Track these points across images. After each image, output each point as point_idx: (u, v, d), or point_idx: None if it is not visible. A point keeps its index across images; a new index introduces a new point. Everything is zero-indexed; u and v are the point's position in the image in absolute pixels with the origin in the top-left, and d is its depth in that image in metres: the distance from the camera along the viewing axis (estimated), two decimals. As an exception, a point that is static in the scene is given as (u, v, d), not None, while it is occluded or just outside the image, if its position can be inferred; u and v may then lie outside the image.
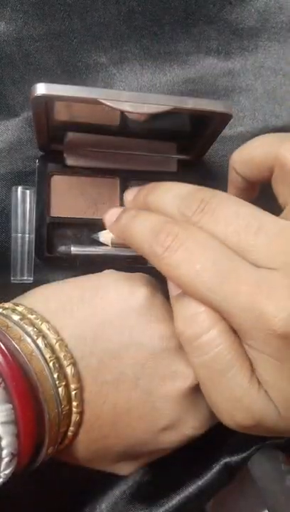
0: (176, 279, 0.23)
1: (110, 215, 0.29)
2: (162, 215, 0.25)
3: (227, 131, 0.37)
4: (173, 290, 0.25)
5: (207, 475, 0.36)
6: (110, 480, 0.37)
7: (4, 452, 0.22)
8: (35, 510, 0.36)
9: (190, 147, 0.34)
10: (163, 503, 0.36)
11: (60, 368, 0.25)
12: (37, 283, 0.30)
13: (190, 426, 0.28)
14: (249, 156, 0.27)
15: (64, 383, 0.25)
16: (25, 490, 0.35)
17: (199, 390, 0.28)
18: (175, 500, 0.35)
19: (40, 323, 0.26)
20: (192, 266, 0.22)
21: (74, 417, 0.26)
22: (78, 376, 0.26)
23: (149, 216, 0.25)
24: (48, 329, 0.26)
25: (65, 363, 0.25)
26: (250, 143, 0.27)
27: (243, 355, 0.23)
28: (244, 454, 0.36)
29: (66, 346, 0.26)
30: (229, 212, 0.23)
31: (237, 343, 0.23)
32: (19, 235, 0.34)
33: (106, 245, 0.34)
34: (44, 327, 0.26)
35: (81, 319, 0.27)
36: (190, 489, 0.36)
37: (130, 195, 0.29)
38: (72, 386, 0.26)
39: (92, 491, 0.37)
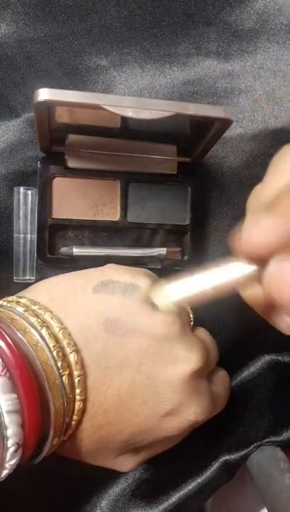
0: None
1: None
2: None
3: (226, 133, 0.37)
4: None
5: (206, 473, 0.36)
6: (110, 478, 0.38)
7: (9, 442, 0.22)
8: (36, 508, 0.36)
9: (190, 150, 0.35)
10: (162, 501, 0.36)
11: (64, 357, 0.26)
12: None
13: (193, 411, 0.28)
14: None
15: (67, 372, 0.25)
16: (27, 488, 0.36)
17: (200, 375, 0.28)
18: (175, 497, 0.36)
19: (43, 313, 0.26)
20: None
21: (78, 405, 0.26)
22: (81, 363, 0.26)
23: None
24: (51, 318, 0.26)
25: (68, 350, 0.26)
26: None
27: None
28: (243, 452, 0.36)
29: (69, 334, 0.26)
30: None
31: None
32: (21, 235, 0.35)
33: (108, 248, 0.35)
34: (47, 316, 0.26)
35: (86, 307, 0.27)
36: (190, 487, 0.36)
37: None
38: (76, 373, 0.26)
39: (93, 489, 0.38)
